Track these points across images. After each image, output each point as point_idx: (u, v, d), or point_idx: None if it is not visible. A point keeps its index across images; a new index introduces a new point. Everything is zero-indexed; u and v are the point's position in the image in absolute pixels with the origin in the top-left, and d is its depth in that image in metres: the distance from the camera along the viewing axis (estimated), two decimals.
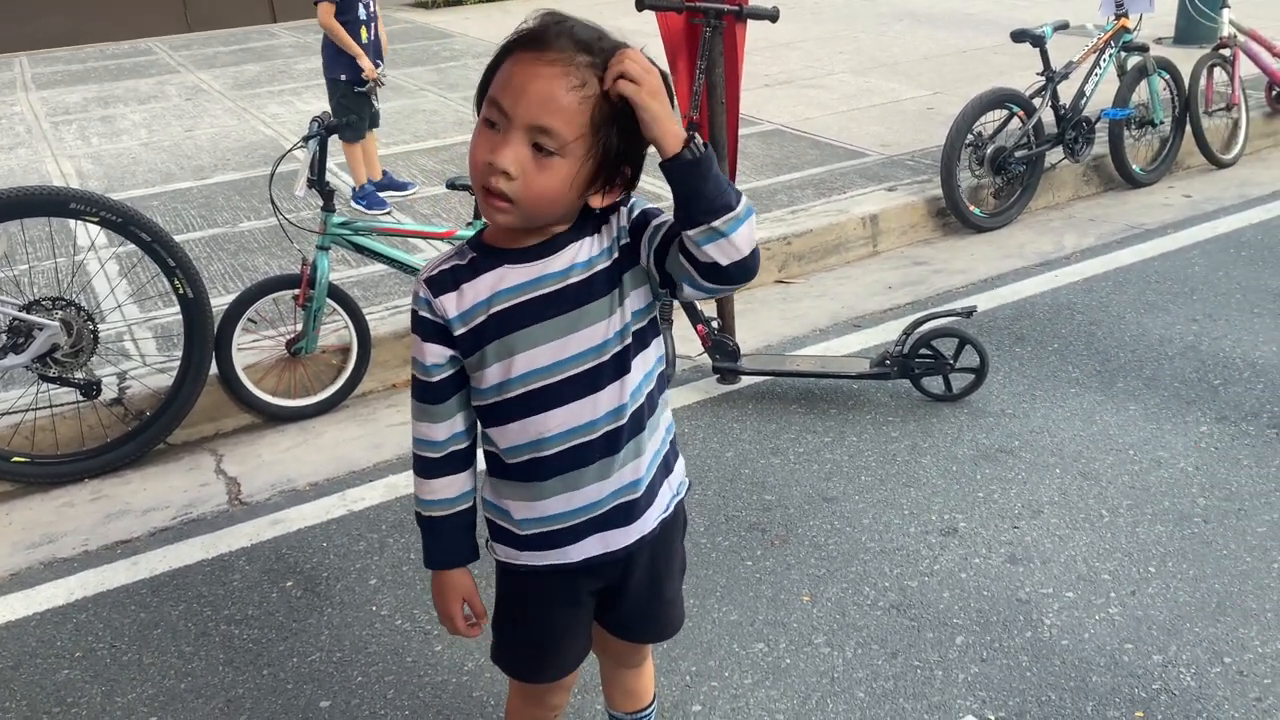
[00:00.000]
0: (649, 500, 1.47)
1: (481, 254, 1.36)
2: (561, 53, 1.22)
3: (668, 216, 1.33)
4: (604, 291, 1.35)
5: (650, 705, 1.83)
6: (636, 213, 1.36)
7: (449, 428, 1.44)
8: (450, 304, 1.35)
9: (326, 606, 2.48)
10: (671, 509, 1.53)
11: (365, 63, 4.78)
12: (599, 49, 1.24)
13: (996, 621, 2.28)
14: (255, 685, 2.24)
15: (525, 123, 1.22)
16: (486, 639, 1.64)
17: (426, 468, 1.47)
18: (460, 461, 1.47)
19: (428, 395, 1.42)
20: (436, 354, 1.39)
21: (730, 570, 2.50)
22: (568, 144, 1.23)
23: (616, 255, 1.35)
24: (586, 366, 1.36)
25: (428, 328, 1.38)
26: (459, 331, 1.36)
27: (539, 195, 1.25)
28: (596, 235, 1.35)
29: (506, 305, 1.34)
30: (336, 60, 4.86)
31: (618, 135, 1.26)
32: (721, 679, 2.18)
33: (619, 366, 1.38)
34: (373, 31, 4.88)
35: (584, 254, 1.34)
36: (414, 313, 1.40)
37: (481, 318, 1.35)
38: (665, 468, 1.51)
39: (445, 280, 1.36)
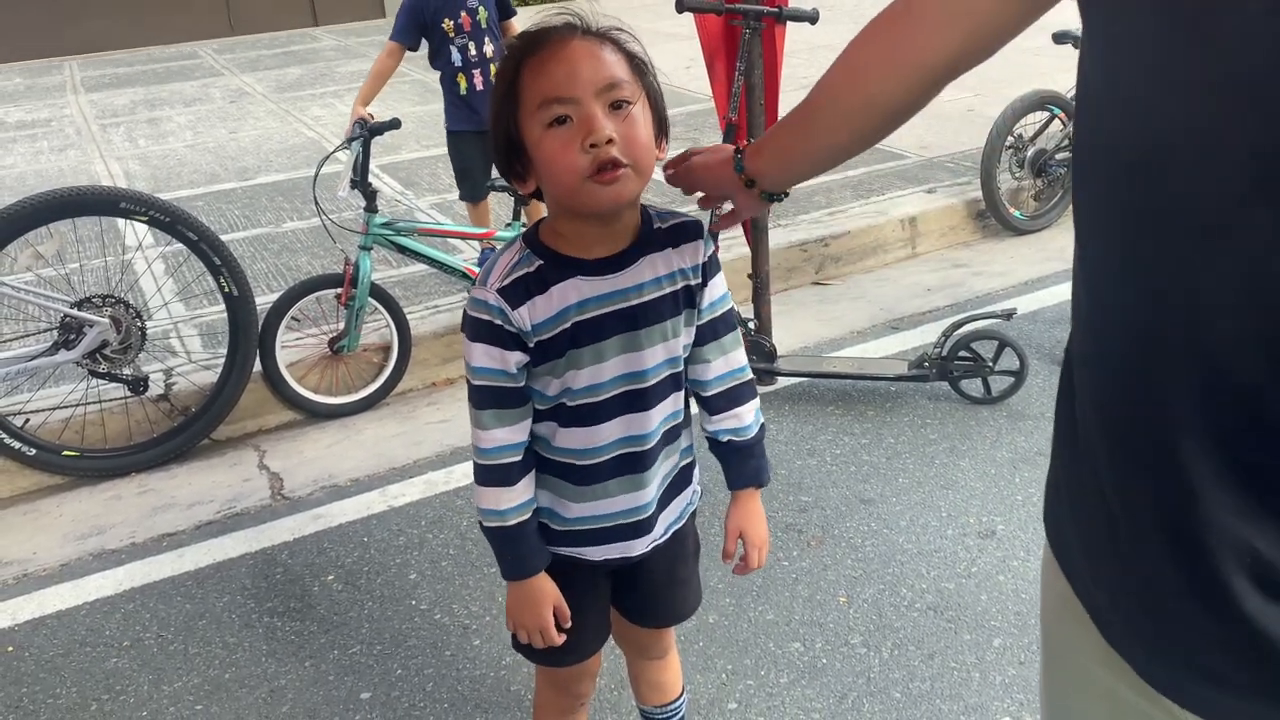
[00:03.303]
0: (663, 510, 1.52)
1: (549, 263, 1.33)
2: (573, 31, 1.27)
3: (716, 311, 1.45)
4: (673, 313, 1.39)
5: (679, 699, 1.84)
6: (706, 257, 1.42)
7: (526, 428, 1.41)
8: (525, 315, 1.32)
9: (367, 600, 2.52)
10: (685, 519, 1.59)
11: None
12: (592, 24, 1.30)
13: (1034, 624, 2.27)
14: (297, 676, 2.28)
15: (595, 91, 1.23)
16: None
17: (507, 474, 1.40)
18: (532, 457, 1.44)
19: (510, 400, 1.37)
20: (518, 359, 1.34)
21: (767, 570, 2.51)
22: (635, 88, 1.27)
23: (687, 283, 1.40)
24: (649, 384, 1.40)
25: (505, 337, 1.33)
26: (532, 342, 1.34)
27: (641, 146, 1.26)
28: (663, 254, 1.38)
29: (584, 318, 1.33)
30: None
31: (649, 79, 1.32)
32: (758, 677, 2.18)
33: (674, 385, 1.44)
34: (474, 80, 3.85)
35: (657, 271, 1.37)
36: (484, 322, 1.33)
37: (557, 330, 1.33)
38: (682, 482, 1.55)
39: (519, 290, 1.32)
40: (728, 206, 1.43)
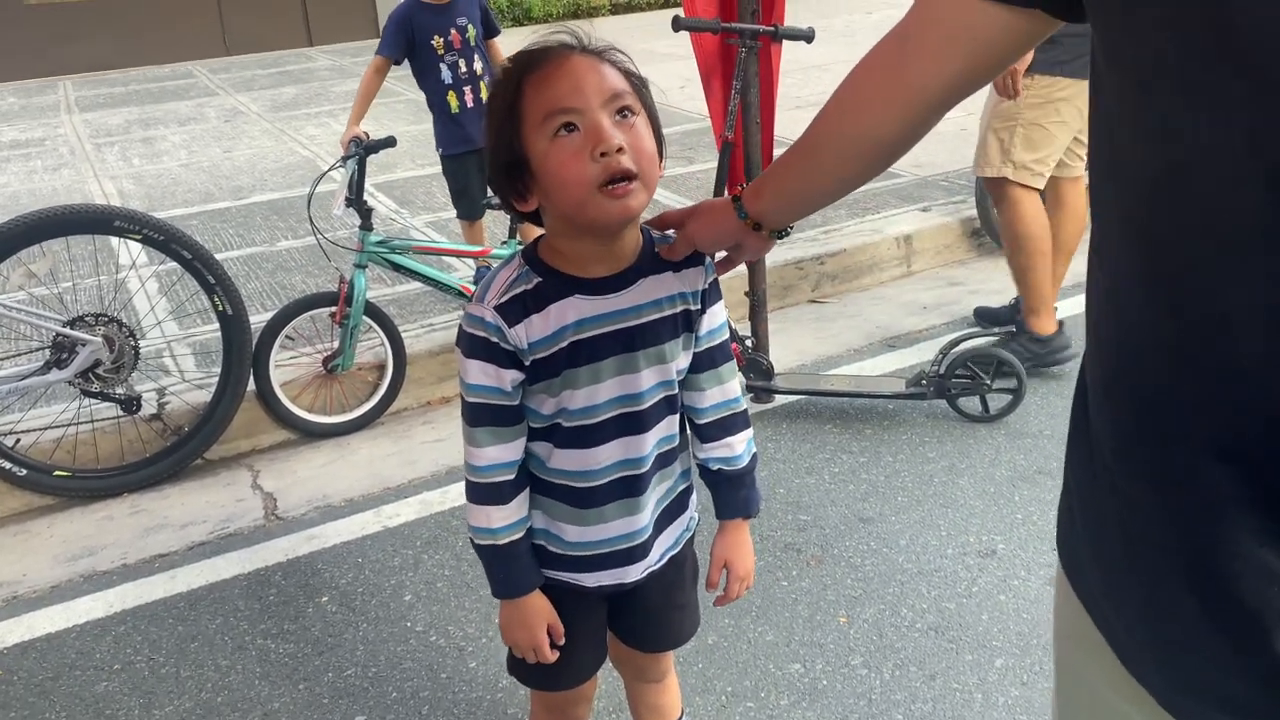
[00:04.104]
0: (658, 536, 1.51)
1: (548, 280, 1.32)
2: (571, 49, 1.27)
3: (714, 340, 1.45)
4: (671, 337, 1.38)
5: None
6: (707, 284, 1.41)
7: (520, 446, 1.40)
8: (522, 333, 1.30)
9: (362, 622, 2.49)
10: (681, 545, 1.57)
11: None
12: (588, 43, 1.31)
13: (1037, 644, 2.25)
14: (291, 699, 2.25)
15: (601, 101, 1.22)
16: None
17: (500, 492, 1.39)
18: (526, 475, 1.42)
19: (505, 418, 1.36)
20: (513, 377, 1.33)
21: (766, 590, 2.49)
22: (637, 99, 1.27)
23: (687, 308, 1.39)
24: (644, 406, 1.39)
25: (501, 354, 1.32)
26: (528, 360, 1.33)
27: (648, 156, 1.25)
28: (664, 277, 1.36)
29: (581, 338, 1.32)
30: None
31: (647, 96, 1.32)
32: (757, 699, 2.16)
33: (669, 409, 1.43)
34: (465, 98, 3.85)
35: (658, 293, 1.36)
36: (480, 339, 1.32)
37: (554, 348, 1.32)
38: (678, 508, 1.54)
39: (516, 308, 1.31)
40: (719, 255, 1.42)
